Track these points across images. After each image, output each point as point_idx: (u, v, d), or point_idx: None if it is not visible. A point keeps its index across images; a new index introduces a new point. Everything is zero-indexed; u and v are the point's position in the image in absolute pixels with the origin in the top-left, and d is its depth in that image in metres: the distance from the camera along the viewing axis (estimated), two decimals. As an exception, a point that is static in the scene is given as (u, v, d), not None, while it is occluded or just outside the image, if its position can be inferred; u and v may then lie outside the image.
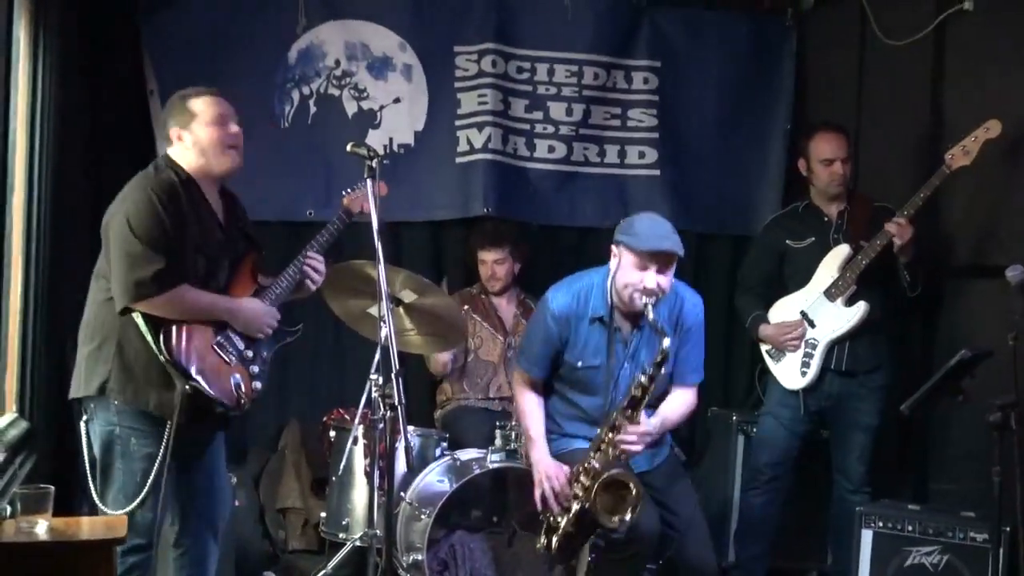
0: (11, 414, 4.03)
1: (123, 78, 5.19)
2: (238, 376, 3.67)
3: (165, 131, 3.72)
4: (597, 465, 3.86)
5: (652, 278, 3.86)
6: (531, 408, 4.18)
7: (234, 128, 3.72)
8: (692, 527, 4.15)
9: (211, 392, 3.55)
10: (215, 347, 3.62)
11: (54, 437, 4.34)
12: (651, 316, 3.83)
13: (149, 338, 3.51)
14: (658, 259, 3.86)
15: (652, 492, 4.07)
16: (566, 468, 4.02)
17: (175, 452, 3.52)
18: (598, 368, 4.05)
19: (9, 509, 3.27)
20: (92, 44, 5.05)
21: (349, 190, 4.24)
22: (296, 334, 3.95)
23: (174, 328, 3.52)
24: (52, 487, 3.25)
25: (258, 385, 3.75)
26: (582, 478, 3.90)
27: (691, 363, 4.15)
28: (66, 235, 4.40)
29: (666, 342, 3.76)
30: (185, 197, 3.61)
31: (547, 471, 4.02)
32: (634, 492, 3.79)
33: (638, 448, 3.88)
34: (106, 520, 3.47)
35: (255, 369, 3.74)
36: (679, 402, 4.15)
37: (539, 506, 4.05)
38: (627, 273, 3.91)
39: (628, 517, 3.81)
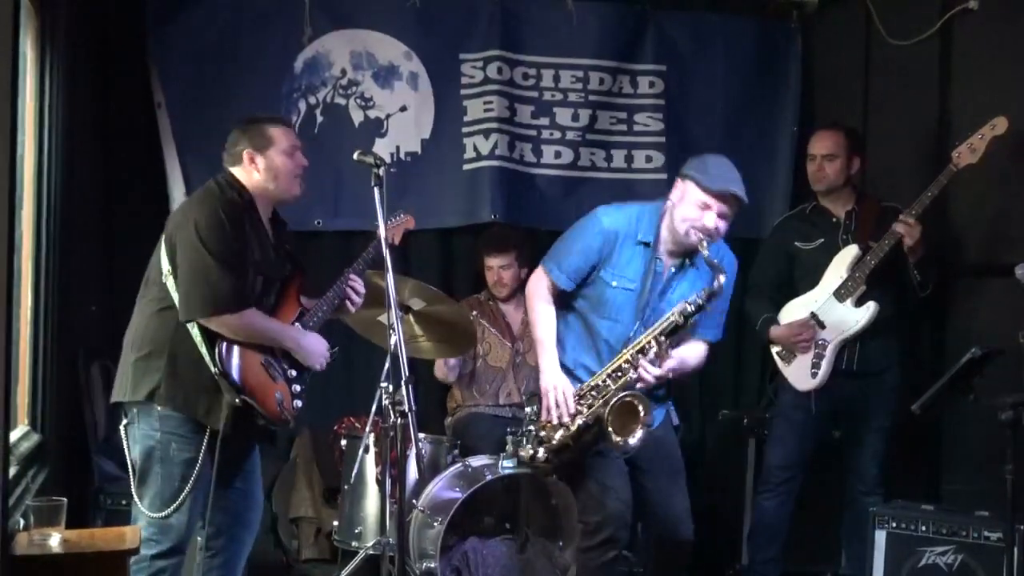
0: (23, 427, 4.03)
1: (130, 91, 5.21)
2: (281, 393, 3.74)
3: (233, 150, 3.79)
4: (612, 385, 3.88)
5: (712, 218, 3.86)
6: (546, 315, 4.09)
7: (303, 160, 3.86)
8: (669, 500, 4.15)
9: (258, 408, 3.62)
10: (263, 364, 3.70)
11: (66, 449, 4.35)
12: (706, 253, 3.83)
13: (204, 351, 3.58)
14: (723, 201, 3.87)
15: (636, 460, 4.07)
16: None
17: (217, 462, 3.61)
18: (631, 292, 4.00)
19: (22, 522, 3.28)
20: (99, 58, 5.07)
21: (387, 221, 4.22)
22: (334, 355, 4.01)
23: (227, 344, 3.59)
24: (65, 499, 3.26)
25: (299, 404, 3.83)
26: (590, 395, 3.92)
27: (715, 319, 4.12)
28: (76, 248, 4.41)
29: (722, 278, 3.79)
30: (247, 218, 3.71)
31: (555, 381, 3.98)
32: (642, 415, 3.82)
33: (661, 374, 3.88)
34: (119, 531, 3.48)
35: (297, 388, 3.82)
36: (695, 351, 4.12)
37: (543, 415, 3.99)
38: (688, 208, 3.89)
39: (632, 441, 3.84)
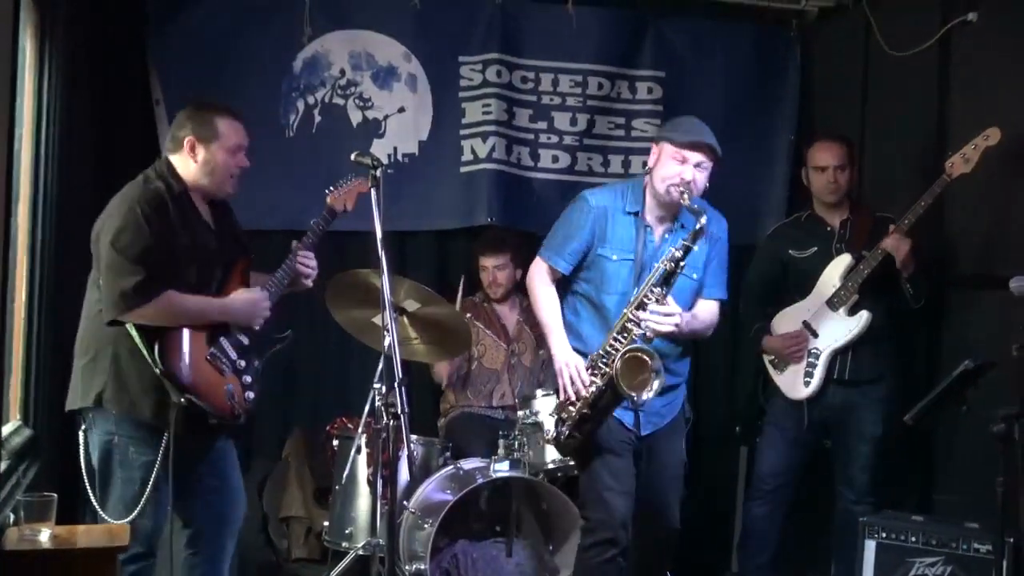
0: (15, 422, 4.03)
1: (129, 88, 5.20)
2: (231, 386, 3.69)
3: (177, 133, 3.73)
4: (620, 346, 3.93)
5: (689, 171, 3.99)
6: (549, 299, 4.21)
7: (245, 161, 3.79)
8: (664, 488, 4.22)
9: (204, 405, 3.57)
10: (208, 358, 3.64)
11: (57, 445, 4.34)
12: (687, 202, 3.93)
13: (144, 350, 3.52)
14: (698, 150, 4.00)
15: (646, 455, 4.15)
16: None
17: (176, 459, 3.54)
18: (630, 262, 4.09)
19: (13, 517, 3.28)
20: (98, 54, 5.06)
21: (331, 188, 4.19)
22: (286, 340, 3.97)
23: (168, 340, 3.53)
24: (55, 495, 3.26)
25: (251, 395, 3.77)
26: (600, 363, 3.97)
27: (717, 276, 4.24)
28: (71, 245, 4.40)
29: (703, 219, 3.86)
30: (174, 208, 3.64)
31: (566, 358, 4.08)
32: (651, 364, 3.87)
33: (665, 327, 3.94)
34: (108, 528, 3.49)
35: (248, 379, 3.77)
36: (705, 309, 4.22)
37: (561, 395, 4.09)
38: (666, 167, 4.03)
39: (646, 394, 3.89)
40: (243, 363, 3.76)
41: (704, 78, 5.88)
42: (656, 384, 3.89)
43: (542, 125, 5.73)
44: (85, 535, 3.40)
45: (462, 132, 5.62)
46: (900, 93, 5.35)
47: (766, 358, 4.97)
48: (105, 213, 3.64)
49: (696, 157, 4.01)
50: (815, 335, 4.79)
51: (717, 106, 5.87)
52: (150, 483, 3.56)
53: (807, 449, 4.93)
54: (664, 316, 3.94)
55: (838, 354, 4.77)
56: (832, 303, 4.75)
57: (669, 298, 3.95)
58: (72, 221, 4.41)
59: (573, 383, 4.03)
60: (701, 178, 4.04)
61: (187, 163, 3.71)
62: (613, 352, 3.95)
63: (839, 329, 4.74)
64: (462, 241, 5.71)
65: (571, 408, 4.05)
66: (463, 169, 5.62)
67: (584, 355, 4.10)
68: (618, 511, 4.08)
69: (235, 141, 3.74)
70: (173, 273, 3.58)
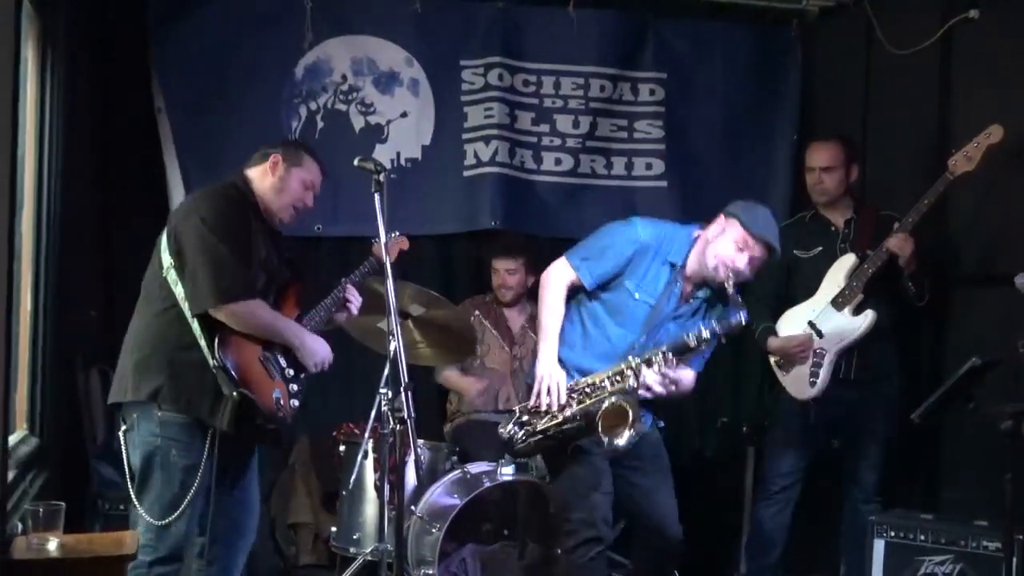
0: (22, 431, 4.03)
1: (131, 96, 5.21)
2: (279, 391, 3.74)
3: (267, 150, 3.85)
4: (609, 387, 3.94)
5: (744, 260, 3.97)
6: (556, 307, 4.12)
7: (310, 201, 3.92)
8: (657, 499, 4.18)
9: (256, 400, 3.61)
10: (261, 360, 3.70)
11: (64, 454, 4.35)
12: (731, 290, 3.93)
13: (203, 343, 3.57)
14: (760, 248, 3.98)
15: (623, 460, 4.11)
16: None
17: (216, 456, 3.61)
18: (650, 306, 4.07)
19: (20, 526, 3.28)
20: (100, 62, 5.08)
21: (376, 239, 4.20)
22: (329, 366, 4.00)
23: (226, 336, 3.60)
24: (63, 504, 3.25)
25: (295, 403, 3.82)
26: (584, 391, 3.98)
27: (706, 354, 4.19)
28: (75, 253, 4.42)
29: (743, 316, 3.89)
30: (253, 216, 3.75)
31: (551, 369, 4.03)
32: (631, 420, 3.86)
33: (661, 390, 3.94)
34: (116, 536, 3.48)
35: (294, 388, 3.82)
36: (689, 377, 4.16)
37: (532, 400, 4.05)
38: (725, 245, 3.99)
39: (619, 442, 3.88)
40: (292, 372, 3.81)
41: (706, 79, 5.89)
42: (628, 436, 3.88)
43: (545, 128, 5.73)
44: (93, 544, 3.39)
45: (465, 136, 5.63)
46: (902, 91, 5.35)
47: (772, 359, 4.97)
48: (189, 207, 3.72)
49: (757, 251, 3.98)
50: (820, 335, 4.78)
51: (719, 107, 5.88)
52: (191, 488, 3.59)
53: (814, 449, 4.92)
54: (668, 381, 3.95)
55: (844, 354, 4.76)
56: (837, 303, 4.74)
57: (677, 370, 3.97)
58: (76, 229, 4.42)
59: (549, 395, 4.00)
60: (750, 272, 4.03)
61: (264, 177, 3.82)
62: (601, 391, 3.95)
63: (845, 329, 4.73)
64: (466, 245, 5.71)
65: (535, 419, 4.04)
66: (466, 173, 5.63)
67: (562, 362, 4.06)
68: (599, 509, 4.06)
69: (312, 178, 3.90)
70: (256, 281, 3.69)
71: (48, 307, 4.16)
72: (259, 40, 5.41)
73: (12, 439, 3.90)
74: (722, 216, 4.07)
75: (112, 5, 5.12)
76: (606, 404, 3.88)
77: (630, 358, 3.97)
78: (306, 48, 5.46)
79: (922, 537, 4.36)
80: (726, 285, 3.94)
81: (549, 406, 4.00)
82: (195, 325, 3.58)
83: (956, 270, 5.00)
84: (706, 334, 3.90)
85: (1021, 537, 3.98)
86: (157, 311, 3.66)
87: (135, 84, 5.22)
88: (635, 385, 3.92)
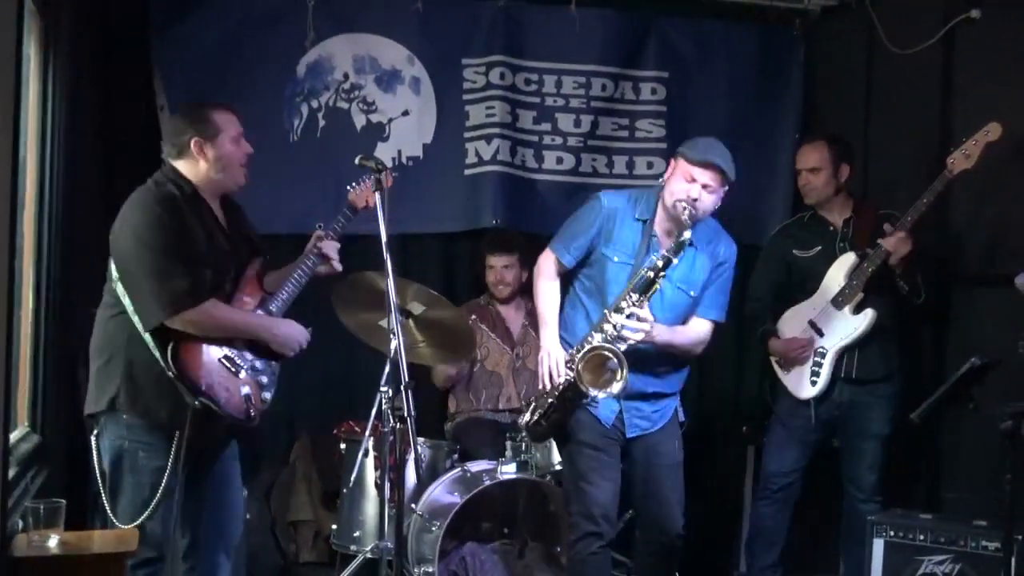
0: (23, 428, 4.04)
1: (133, 94, 5.21)
2: (248, 388, 3.67)
3: (179, 139, 3.71)
4: (594, 343, 3.98)
5: (696, 190, 4.00)
6: (550, 292, 4.27)
7: (248, 147, 3.79)
8: (664, 494, 4.22)
9: (221, 408, 3.55)
10: (223, 360, 3.62)
11: (65, 451, 4.35)
12: (687, 220, 3.94)
13: (157, 354, 3.51)
14: (707, 170, 4.00)
15: (635, 453, 4.18)
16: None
17: (185, 465, 3.53)
18: (630, 266, 4.11)
19: (21, 523, 3.29)
20: (102, 60, 5.07)
21: (353, 185, 4.20)
22: (308, 338, 3.93)
23: (182, 343, 3.52)
24: (64, 501, 3.26)
25: (267, 396, 3.76)
26: (577, 356, 4.01)
27: (717, 299, 4.24)
28: (77, 251, 4.42)
29: (687, 233, 3.90)
30: (188, 211, 3.63)
31: (550, 350, 4.15)
32: (609, 364, 3.92)
33: (636, 336, 3.97)
34: (117, 534, 3.49)
35: (264, 379, 3.75)
36: (693, 328, 4.23)
37: (539, 383, 4.16)
38: (676, 182, 4.05)
39: (602, 394, 3.96)
40: (259, 364, 3.73)
41: (708, 78, 5.88)
42: (617, 385, 3.91)
43: (546, 127, 5.73)
44: (94, 541, 3.41)
45: (466, 135, 5.63)
46: (904, 90, 5.35)
47: (773, 358, 4.97)
48: (121, 218, 3.61)
49: (704, 177, 4.00)
50: (821, 334, 4.79)
51: (721, 106, 5.87)
52: (160, 488, 3.54)
53: (814, 448, 4.93)
54: (637, 323, 3.96)
55: (844, 352, 4.77)
56: (837, 302, 4.75)
57: (645, 306, 3.98)
58: (78, 228, 4.42)
59: (550, 373, 4.09)
60: (708, 200, 4.03)
61: (196, 165, 3.69)
62: (587, 350, 4.00)
63: (845, 328, 4.74)
64: (467, 244, 5.71)
65: (545, 397, 4.11)
66: (467, 172, 5.63)
67: (570, 347, 4.14)
68: (599, 505, 4.10)
69: (235, 130, 3.75)
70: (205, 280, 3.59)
71: (50, 305, 4.16)
72: (261, 38, 5.40)
73: (13, 436, 3.90)
74: (671, 159, 4.15)
75: (114, 4, 5.11)
76: (583, 355, 3.95)
77: (605, 311, 4.02)
78: (308, 46, 5.45)
79: (921, 537, 4.36)
80: (683, 219, 3.96)
81: (553, 382, 4.08)
82: (147, 338, 3.51)
83: (956, 269, 5.00)
84: (659, 262, 3.93)
85: (1020, 537, 3.98)
86: (111, 316, 3.62)
87: (137, 82, 5.21)
88: (614, 333, 3.96)
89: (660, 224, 4.14)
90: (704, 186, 4.00)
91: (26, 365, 4.06)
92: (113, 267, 3.60)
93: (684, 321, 4.21)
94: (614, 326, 3.96)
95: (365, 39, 5.54)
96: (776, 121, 5.95)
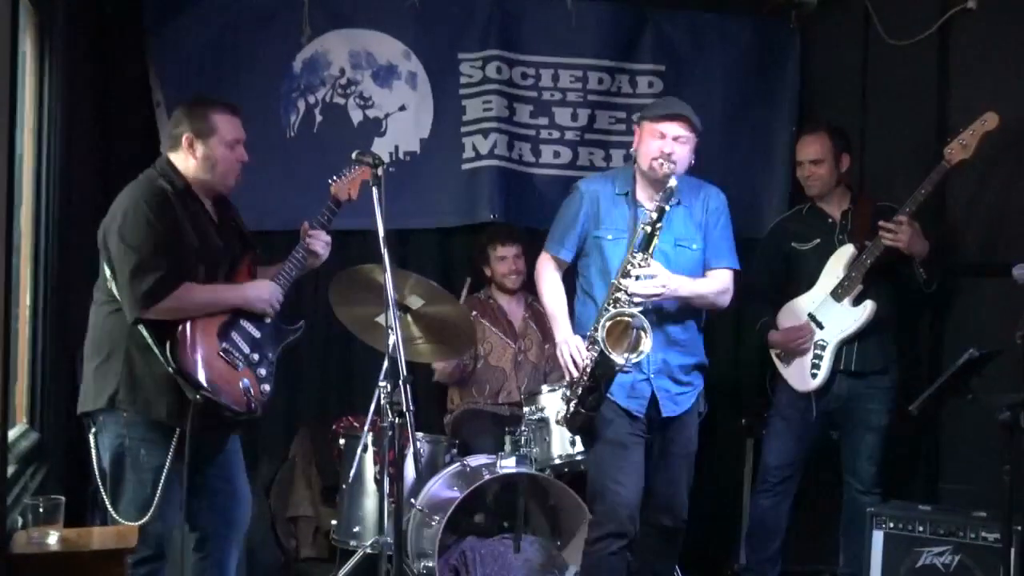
0: (22, 425, 4.03)
1: (129, 90, 5.21)
2: (247, 380, 3.68)
3: (174, 131, 3.72)
4: (611, 311, 3.97)
5: (669, 144, 4.08)
6: (554, 288, 4.31)
7: (244, 155, 3.78)
8: (675, 486, 4.27)
9: (221, 400, 3.56)
10: (221, 353, 3.63)
11: (65, 448, 4.35)
12: (668, 172, 4.01)
13: (156, 350, 3.52)
14: (674, 121, 4.09)
15: (655, 442, 4.21)
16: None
17: (188, 460, 3.54)
18: (626, 240, 4.11)
19: (21, 520, 3.28)
20: (98, 56, 5.07)
21: (335, 178, 4.16)
22: (299, 331, 3.96)
23: (180, 338, 3.53)
24: (63, 498, 3.26)
25: (267, 388, 3.76)
26: (597, 329, 3.97)
27: (722, 246, 4.28)
28: (74, 247, 4.41)
29: (673, 181, 3.94)
30: (179, 205, 3.64)
31: (565, 338, 4.16)
32: (632, 322, 3.91)
33: (650, 290, 3.99)
34: (117, 530, 3.49)
35: (262, 372, 3.75)
36: (714, 279, 4.26)
37: (566, 375, 4.15)
38: (647, 144, 4.12)
39: (635, 357, 3.92)
40: (256, 356, 3.75)
41: (704, 71, 5.88)
42: (646, 344, 3.91)
43: (543, 121, 5.73)
44: (93, 538, 3.40)
45: (463, 129, 5.63)
46: (900, 82, 5.35)
47: (773, 351, 4.97)
48: (110, 214, 3.63)
49: (674, 129, 4.08)
50: (820, 327, 4.79)
51: (717, 99, 5.87)
52: (161, 485, 3.55)
53: (814, 440, 4.92)
54: (648, 279, 3.98)
55: (844, 345, 4.77)
56: (836, 294, 4.75)
57: (651, 260, 4.00)
58: (75, 224, 4.42)
59: (574, 360, 4.09)
60: (683, 151, 4.10)
61: (187, 160, 3.70)
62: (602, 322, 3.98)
63: (845, 320, 4.74)
64: (464, 238, 5.71)
65: (576, 386, 4.08)
66: (465, 166, 5.63)
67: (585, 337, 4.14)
68: (625, 505, 4.09)
69: (232, 135, 3.73)
70: (183, 267, 3.59)
71: (47, 301, 4.16)
72: (257, 34, 5.40)
73: (12, 433, 3.90)
74: (635, 127, 4.25)
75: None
76: (603, 325, 3.92)
77: (612, 281, 4.03)
78: (304, 42, 5.45)
79: (921, 528, 4.36)
80: (665, 171, 4.02)
81: (579, 367, 4.07)
82: (144, 330, 3.53)
83: (954, 260, 4.99)
84: (653, 214, 3.96)
85: (1020, 528, 3.99)
86: (107, 313, 3.63)
87: (134, 78, 5.21)
88: (627, 298, 3.97)
89: (641, 192, 4.20)
90: (675, 138, 4.08)
91: (24, 362, 4.06)
92: (104, 264, 3.62)
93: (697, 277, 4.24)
94: (625, 290, 3.97)
95: (361, 34, 5.54)
96: (773, 113, 5.95)
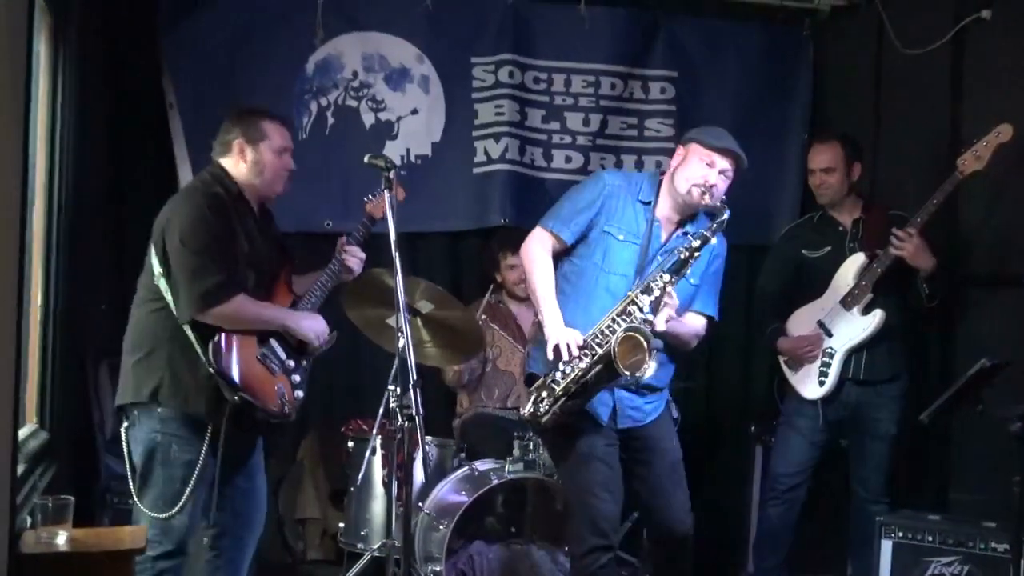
0: (32, 425, 4.04)
1: (142, 91, 5.22)
2: (282, 385, 3.76)
3: (225, 138, 3.81)
4: (616, 328, 3.85)
5: (714, 175, 4.00)
6: (545, 270, 4.07)
7: (291, 163, 3.89)
8: (669, 495, 4.14)
9: (257, 403, 3.65)
10: (259, 358, 3.72)
11: (74, 448, 4.36)
12: (708, 202, 3.96)
13: (199, 350, 3.59)
14: (727, 156, 4.01)
15: (634, 454, 4.09)
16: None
17: (219, 458, 3.64)
18: (635, 246, 4.05)
19: (30, 520, 3.29)
20: (112, 57, 5.08)
21: (371, 196, 4.26)
22: (331, 342, 4.01)
23: (222, 340, 3.60)
24: (72, 498, 3.27)
25: (299, 393, 3.85)
26: (594, 343, 3.87)
27: (712, 292, 4.19)
28: (86, 247, 4.43)
29: (726, 214, 3.89)
30: (233, 212, 3.73)
31: (558, 329, 3.93)
32: (648, 346, 3.80)
33: (664, 317, 3.88)
34: (126, 530, 3.50)
35: (296, 378, 3.85)
36: (693, 320, 4.16)
37: (551, 356, 3.93)
38: (692, 167, 4.02)
39: (639, 373, 3.79)
40: (292, 363, 3.84)
41: (717, 78, 5.88)
42: (651, 367, 3.81)
43: (555, 126, 5.74)
44: (102, 538, 3.41)
45: (475, 133, 5.63)
46: (913, 91, 5.34)
47: (781, 358, 4.97)
48: (167, 212, 3.70)
49: (723, 163, 4.00)
50: (830, 335, 4.78)
51: (729, 105, 5.87)
52: (192, 481, 3.62)
53: (822, 449, 4.91)
54: (668, 303, 3.88)
55: (853, 353, 4.76)
56: (846, 302, 4.74)
57: (671, 289, 3.90)
58: (87, 224, 4.43)
59: (565, 354, 3.86)
60: (722, 186, 4.02)
61: (237, 165, 3.80)
62: (610, 333, 3.85)
63: (854, 328, 4.73)
64: (475, 242, 5.71)
65: (554, 385, 3.91)
66: (476, 170, 5.63)
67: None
68: (606, 518, 4.00)
69: (281, 143, 3.85)
70: (239, 274, 3.68)
71: (59, 301, 4.17)
72: (270, 36, 5.41)
73: (22, 433, 3.90)
74: (680, 146, 4.13)
75: (124, 1, 5.12)
76: (619, 335, 3.79)
77: (629, 292, 3.93)
78: (317, 44, 5.46)
79: (930, 538, 4.36)
80: (703, 201, 3.96)
81: (567, 364, 3.88)
82: (188, 330, 3.60)
83: (966, 270, 4.99)
84: (696, 241, 3.89)
85: (1029, 539, 3.97)
86: (152, 310, 3.69)
87: (146, 79, 5.22)
88: (642, 317, 3.86)
89: (662, 210, 4.10)
90: (722, 171, 4.01)
91: (35, 362, 4.06)
92: (156, 263, 3.66)
93: (684, 312, 4.12)
94: (640, 308, 3.87)
95: (374, 37, 5.54)
96: (785, 121, 5.95)
